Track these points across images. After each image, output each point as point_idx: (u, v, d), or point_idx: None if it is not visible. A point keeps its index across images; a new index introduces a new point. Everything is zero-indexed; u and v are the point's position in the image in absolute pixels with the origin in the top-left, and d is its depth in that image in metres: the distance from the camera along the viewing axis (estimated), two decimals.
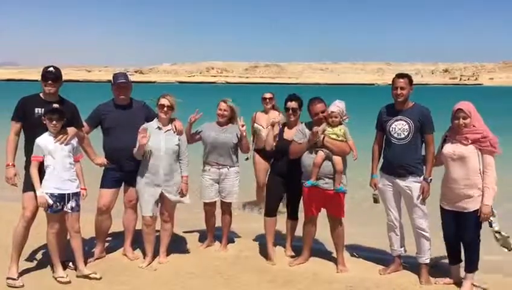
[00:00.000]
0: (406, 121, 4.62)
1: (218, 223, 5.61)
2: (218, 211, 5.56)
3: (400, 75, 4.73)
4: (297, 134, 4.93)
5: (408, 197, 4.69)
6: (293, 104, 5.12)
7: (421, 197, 4.62)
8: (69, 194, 4.42)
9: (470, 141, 4.27)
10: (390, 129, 4.69)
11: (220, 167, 5.32)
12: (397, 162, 4.65)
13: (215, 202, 5.47)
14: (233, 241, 5.79)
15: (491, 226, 4.32)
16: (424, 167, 4.66)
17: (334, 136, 4.72)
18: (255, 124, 6.83)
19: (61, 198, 4.40)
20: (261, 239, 5.72)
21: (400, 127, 4.64)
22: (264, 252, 5.33)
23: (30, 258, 4.98)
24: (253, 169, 6.98)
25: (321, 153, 4.71)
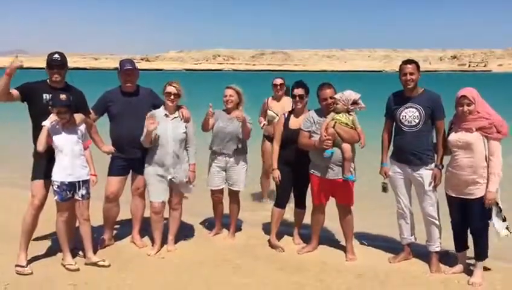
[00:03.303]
0: (416, 108, 4.55)
1: (226, 210, 5.59)
2: (226, 199, 5.54)
3: (407, 61, 4.66)
4: (305, 123, 4.86)
5: (419, 185, 4.64)
6: (299, 91, 5.06)
7: (432, 185, 4.57)
8: (79, 181, 4.42)
9: (475, 129, 4.21)
10: (401, 117, 4.62)
11: (227, 155, 5.29)
12: (408, 149, 4.59)
13: (222, 189, 5.44)
14: (241, 230, 5.78)
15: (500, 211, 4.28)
16: (435, 154, 4.60)
17: (343, 124, 4.67)
18: (269, 112, 6.55)
19: (72, 186, 4.40)
20: (268, 228, 5.71)
21: (410, 115, 4.57)
22: None
23: (39, 245, 4.99)
24: (261, 155, 6.84)
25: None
